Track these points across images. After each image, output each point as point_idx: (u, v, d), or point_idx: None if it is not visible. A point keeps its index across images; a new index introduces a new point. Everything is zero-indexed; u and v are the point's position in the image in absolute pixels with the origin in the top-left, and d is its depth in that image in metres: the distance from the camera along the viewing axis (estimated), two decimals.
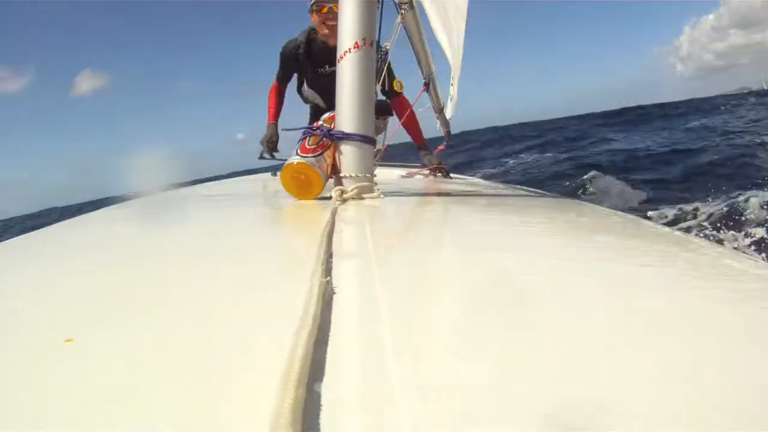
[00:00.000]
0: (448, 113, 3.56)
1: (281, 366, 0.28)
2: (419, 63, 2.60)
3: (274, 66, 2.54)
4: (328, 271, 0.48)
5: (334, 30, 2.51)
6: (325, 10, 2.21)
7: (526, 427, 0.24)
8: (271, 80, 2.63)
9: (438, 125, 3.81)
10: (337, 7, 2.45)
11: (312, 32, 2.39)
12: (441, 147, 4.07)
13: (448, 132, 3.90)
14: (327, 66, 2.38)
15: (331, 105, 2.66)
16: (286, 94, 2.69)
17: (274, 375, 0.27)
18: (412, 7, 1.87)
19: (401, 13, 1.74)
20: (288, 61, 2.49)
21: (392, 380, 0.28)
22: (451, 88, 3.15)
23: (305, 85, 2.54)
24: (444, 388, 0.27)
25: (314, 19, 2.29)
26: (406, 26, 2.05)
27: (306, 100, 2.63)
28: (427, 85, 2.82)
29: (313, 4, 2.26)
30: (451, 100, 3.40)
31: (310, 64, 2.42)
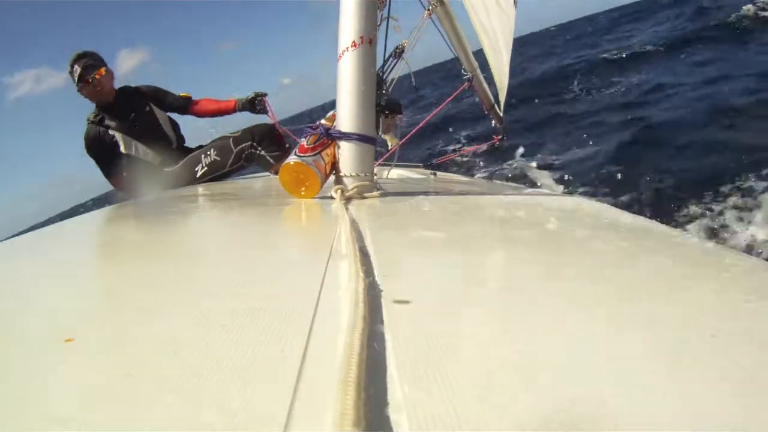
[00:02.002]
0: (501, 110, 3.47)
1: (336, 366, 0.28)
2: (458, 59, 2.55)
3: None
4: (369, 270, 0.48)
5: (103, 91, 2.51)
6: (89, 81, 2.46)
7: (527, 427, 0.24)
8: None
9: (493, 123, 3.72)
10: (99, 73, 2.45)
11: (94, 112, 2.58)
12: (496, 138, 3.97)
13: (505, 128, 3.80)
14: (131, 115, 2.58)
15: (159, 141, 2.62)
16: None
17: (330, 375, 0.27)
18: (442, 3, 1.84)
19: (428, 9, 1.71)
20: (101, 146, 2.56)
21: (394, 382, 0.28)
22: (498, 90, 3.06)
23: (123, 149, 2.57)
24: (447, 389, 0.27)
25: (87, 93, 2.52)
26: (438, 22, 2.01)
27: (127, 173, 2.61)
28: (470, 80, 2.75)
29: (78, 83, 2.47)
30: (501, 102, 3.31)
31: (119, 125, 2.55)
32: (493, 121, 3.71)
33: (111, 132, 2.57)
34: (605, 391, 0.27)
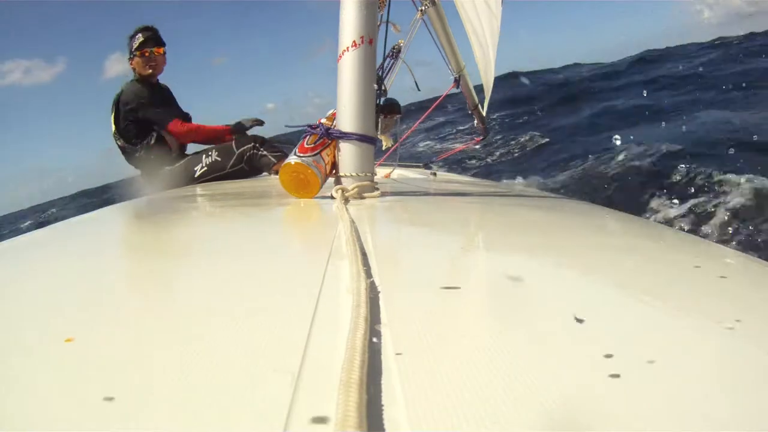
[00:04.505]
0: (483, 111, 3.50)
1: (337, 367, 0.28)
2: (447, 60, 2.56)
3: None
4: (368, 271, 0.47)
5: (154, 70, 2.55)
6: (147, 53, 2.48)
7: (526, 427, 0.24)
8: None
9: (475, 122, 3.76)
10: (158, 51, 2.50)
11: (138, 79, 2.57)
12: (477, 140, 4.01)
13: (485, 128, 3.84)
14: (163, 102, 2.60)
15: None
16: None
17: (330, 376, 0.27)
18: (434, 3, 1.84)
19: (421, 10, 1.72)
20: (147, 95, 2.53)
21: (393, 382, 0.27)
22: (484, 87, 3.09)
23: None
24: (446, 388, 0.27)
25: (136, 63, 2.53)
26: (429, 23, 2.02)
27: (145, 152, 2.60)
28: (457, 81, 2.77)
29: (134, 49, 2.49)
30: (486, 99, 3.34)
31: (154, 96, 2.57)
32: (475, 121, 3.74)
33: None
34: (607, 391, 0.27)
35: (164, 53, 2.58)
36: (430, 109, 2.18)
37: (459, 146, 4.23)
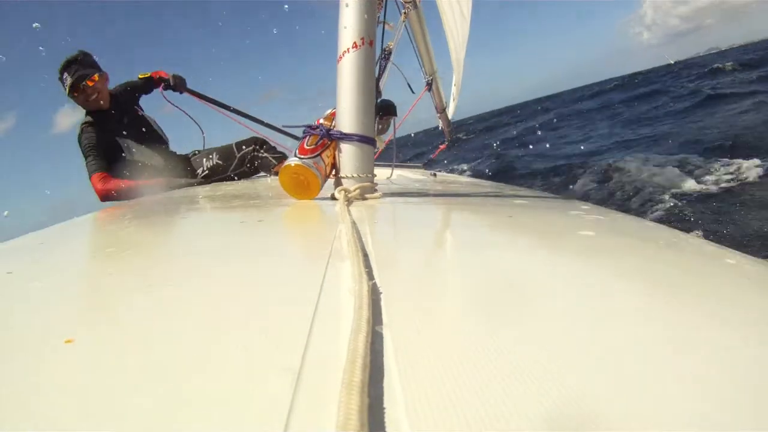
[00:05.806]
0: (450, 113, 3.57)
1: (338, 369, 0.27)
2: (422, 62, 2.59)
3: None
4: (370, 272, 0.47)
5: (98, 98, 2.39)
6: (77, 93, 2.34)
7: (526, 427, 0.24)
8: None
9: (440, 125, 3.81)
10: (93, 79, 2.35)
11: (85, 120, 2.44)
12: (442, 146, 4.07)
13: (450, 131, 3.90)
14: (125, 119, 2.47)
15: (156, 142, 2.55)
16: None
17: (331, 378, 0.27)
18: (416, 6, 1.86)
19: (404, 13, 1.73)
20: (97, 139, 2.39)
21: (394, 383, 0.27)
22: (453, 88, 3.15)
23: (123, 153, 2.43)
24: (446, 389, 0.27)
25: (80, 102, 2.38)
26: (410, 26, 2.04)
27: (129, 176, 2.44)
28: (429, 84, 2.81)
29: (69, 93, 2.35)
30: (453, 100, 3.40)
31: (116, 129, 2.44)
32: (440, 125, 3.80)
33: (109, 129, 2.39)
34: (607, 392, 0.27)
35: (100, 76, 2.36)
36: (410, 109, 2.21)
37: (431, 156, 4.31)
